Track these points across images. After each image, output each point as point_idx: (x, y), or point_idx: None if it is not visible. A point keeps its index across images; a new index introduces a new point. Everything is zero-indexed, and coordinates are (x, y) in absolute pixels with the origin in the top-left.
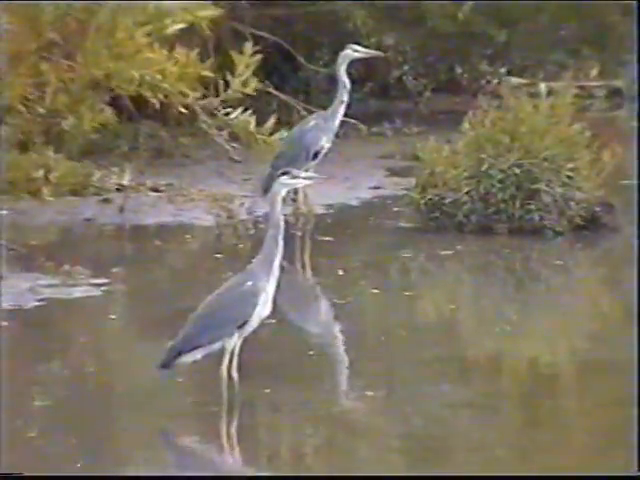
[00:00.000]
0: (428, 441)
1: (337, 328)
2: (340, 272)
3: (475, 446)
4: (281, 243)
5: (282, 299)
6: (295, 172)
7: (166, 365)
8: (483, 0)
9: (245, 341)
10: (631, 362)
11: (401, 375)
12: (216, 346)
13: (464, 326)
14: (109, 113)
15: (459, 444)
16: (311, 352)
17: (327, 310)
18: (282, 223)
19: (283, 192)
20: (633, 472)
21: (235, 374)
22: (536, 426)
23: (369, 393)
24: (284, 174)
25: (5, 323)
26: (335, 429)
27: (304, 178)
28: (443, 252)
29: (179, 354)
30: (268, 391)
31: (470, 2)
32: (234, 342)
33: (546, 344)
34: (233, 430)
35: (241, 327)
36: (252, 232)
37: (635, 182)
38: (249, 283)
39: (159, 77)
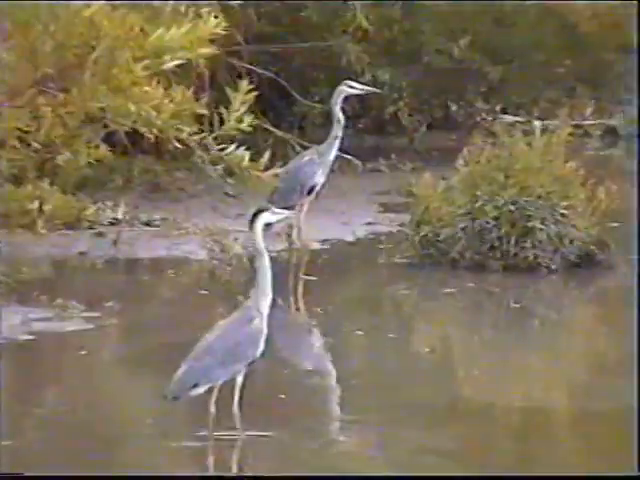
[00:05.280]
0: None
1: (311, 370)
2: (325, 310)
3: None
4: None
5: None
6: (272, 208)
7: (178, 397)
8: (478, 36)
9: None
10: (619, 410)
11: (372, 419)
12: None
13: (446, 369)
14: (104, 149)
15: None
16: (282, 395)
17: (305, 351)
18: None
19: (260, 224)
20: (633, 472)
21: (237, 410)
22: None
23: (341, 438)
24: (260, 211)
25: None
26: (302, 471)
27: (279, 213)
28: (436, 289)
29: (195, 386)
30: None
31: (466, 39)
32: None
33: (532, 387)
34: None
35: (250, 364)
36: (246, 267)
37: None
38: (257, 320)
39: (154, 113)
